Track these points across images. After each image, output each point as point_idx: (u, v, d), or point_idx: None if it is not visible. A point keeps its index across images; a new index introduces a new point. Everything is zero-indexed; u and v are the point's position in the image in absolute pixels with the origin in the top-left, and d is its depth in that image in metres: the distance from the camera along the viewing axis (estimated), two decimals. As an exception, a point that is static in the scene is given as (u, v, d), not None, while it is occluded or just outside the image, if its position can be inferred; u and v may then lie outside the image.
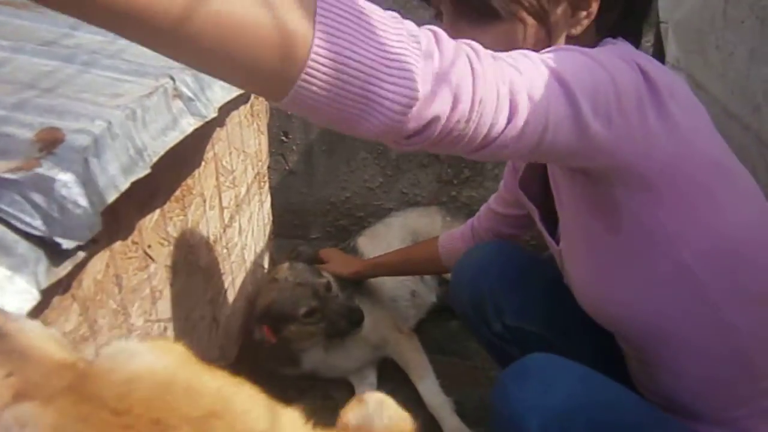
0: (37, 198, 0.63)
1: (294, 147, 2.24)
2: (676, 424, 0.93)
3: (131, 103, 0.84)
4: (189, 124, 0.92)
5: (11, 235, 0.59)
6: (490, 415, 0.94)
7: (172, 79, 0.94)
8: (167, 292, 1.26)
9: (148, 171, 0.82)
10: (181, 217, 1.31)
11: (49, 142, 0.71)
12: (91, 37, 1.07)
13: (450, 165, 2.16)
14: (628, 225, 0.88)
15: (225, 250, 1.57)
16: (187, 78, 0.97)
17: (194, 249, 1.38)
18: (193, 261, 1.38)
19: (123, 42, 1.09)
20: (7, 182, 0.63)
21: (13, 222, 0.59)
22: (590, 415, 0.87)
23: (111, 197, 0.75)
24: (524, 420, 0.86)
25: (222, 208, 1.54)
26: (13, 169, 0.66)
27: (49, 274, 0.60)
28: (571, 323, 1.16)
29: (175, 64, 1.04)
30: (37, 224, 0.61)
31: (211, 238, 1.48)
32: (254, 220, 1.80)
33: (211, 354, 1.51)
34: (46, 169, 0.67)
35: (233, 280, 1.64)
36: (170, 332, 1.28)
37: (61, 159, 0.69)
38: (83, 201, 0.67)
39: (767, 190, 1.31)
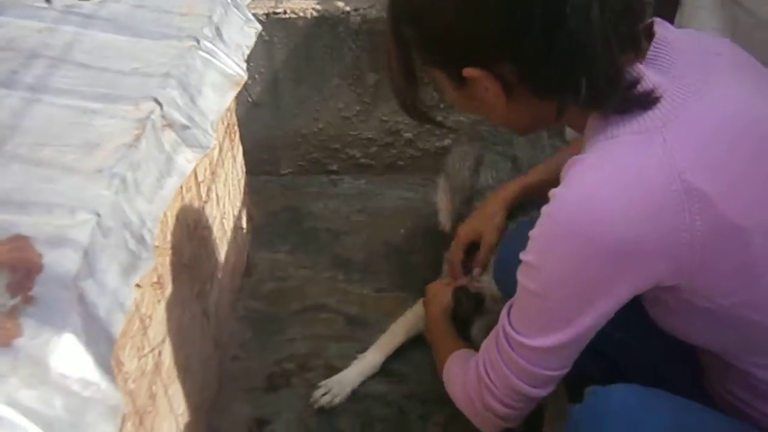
0: (29, 398, 0.42)
1: (257, 76, 1.96)
2: None
3: (116, 163, 0.60)
4: (187, 161, 0.69)
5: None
6: None
7: (158, 103, 0.68)
8: (156, 312, 1.06)
9: (153, 260, 0.60)
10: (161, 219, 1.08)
11: (22, 275, 0.48)
12: (22, 23, 0.78)
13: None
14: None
15: (206, 231, 1.35)
16: (173, 92, 0.72)
17: (176, 248, 1.16)
18: (177, 261, 1.17)
19: (67, 29, 0.80)
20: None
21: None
22: None
23: (118, 325, 0.53)
24: None
25: (198, 184, 1.30)
26: (-21, 343, 0.44)
27: None
28: (632, 314, 1.03)
29: (153, 71, 0.78)
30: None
31: (191, 225, 1.25)
32: (229, 182, 1.56)
33: (205, 351, 1.34)
34: (29, 338, 0.45)
35: (217, 259, 1.44)
36: (165, 354, 1.09)
37: (45, 308, 0.47)
38: (94, 372, 0.46)
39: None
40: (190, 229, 1.24)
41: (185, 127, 0.70)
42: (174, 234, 1.15)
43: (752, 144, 0.79)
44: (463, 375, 1.05)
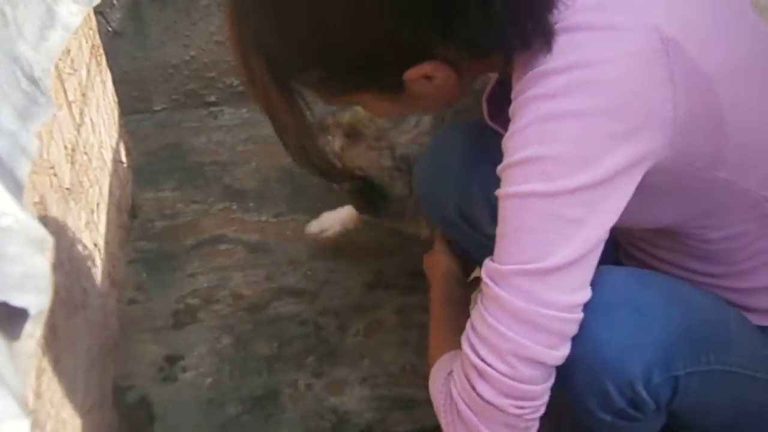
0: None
1: (115, 2, 1.79)
2: (732, 310, 0.87)
3: (-12, -4, 0.50)
4: (71, 13, 0.59)
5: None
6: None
7: (27, -57, 0.58)
8: (44, 236, 0.94)
9: (52, 107, 0.51)
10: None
11: None
12: None
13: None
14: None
15: (85, 157, 1.22)
16: (43, -63, 0.61)
17: (56, 168, 1.04)
18: (58, 184, 1.04)
19: None
20: None
21: None
22: (690, 338, 0.75)
23: (23, 169, 0.45)
24: (623, 364, 0.72)
25: (69, 104, 1.17)
26: None
27: (17, 360, 0.33)
28: None
29: None
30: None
31: (69, 147, 1.12)
32: (102, 108, 1.42)
33: (102, 287, 1.22)
34: None
35: (101, 189, 1.31)
36: (59, 285, 0.97)
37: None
38: (7, 202, 0.38)
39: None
40: (68, 151, 1.12)
41: (64, -26, 0.60)
42: (51, 153, 1.02)
43: None
44: (448, 382, 0.79)
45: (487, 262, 0.74)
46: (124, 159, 1.58)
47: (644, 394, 0.73)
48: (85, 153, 1.23)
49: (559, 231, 0.68)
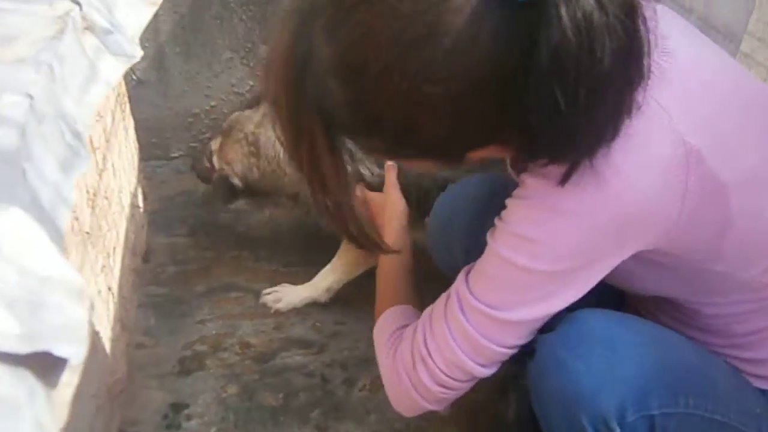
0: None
1: (141, 51, 1.84)
2: (723, 364, 0.87)
3: (40, 51, 0.53)
4: (113, 70, 0.62)
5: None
6: (535, 393, 0.81)
7: (76, 2, 0.61)
8: (62, 279, 0.96)
9: (90, 159, 0.53)
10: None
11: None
12: None
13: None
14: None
15: (105, 201, 1.25)
16: (90, -2, 0.65)
17: (77, 213, 1.06)
18: (79, 228, 1.06)
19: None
20: None
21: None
22: (665, 378, 0.77)
23: (63, 219, 0.46)
24: (596, 398, 0.74)
25: (94, 149, 1.20)
26: None
27: (55, 409, 0.34)
28: None
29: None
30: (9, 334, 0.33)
31: (91, 192, 1.15)
32: (124, 155, 1.45)
33: (113, 331, 1.23)
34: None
35: (118, 234, 1.33)
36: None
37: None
38: (50, 252, 0.39)
39: None
40: (90, 196, 1.14)
41: (108, 32, 0.63)
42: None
43: (728, 96, 0.77)
44: (394, 341, 0.93)
45: (461, 278, 0.82)
46: (141, 204, 1.60)
47: (619, 431, 0.74)
48: (106, 197, 1.25)
49: (528, 296, 0.76)
